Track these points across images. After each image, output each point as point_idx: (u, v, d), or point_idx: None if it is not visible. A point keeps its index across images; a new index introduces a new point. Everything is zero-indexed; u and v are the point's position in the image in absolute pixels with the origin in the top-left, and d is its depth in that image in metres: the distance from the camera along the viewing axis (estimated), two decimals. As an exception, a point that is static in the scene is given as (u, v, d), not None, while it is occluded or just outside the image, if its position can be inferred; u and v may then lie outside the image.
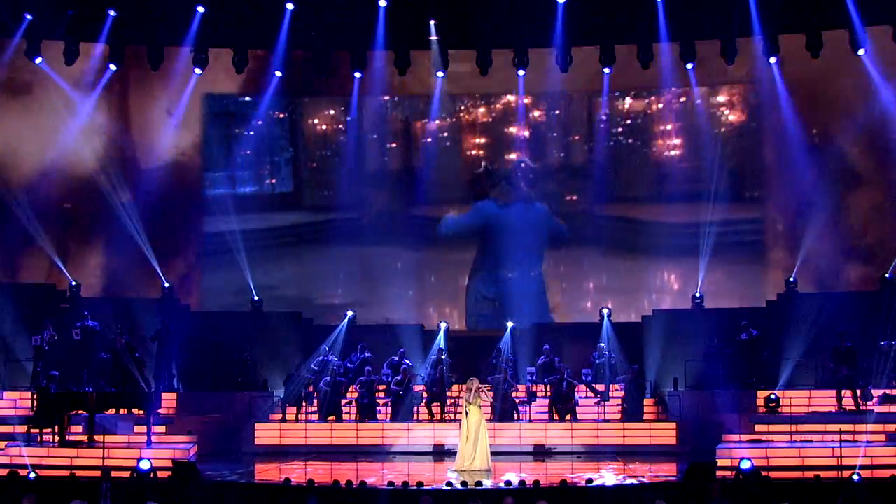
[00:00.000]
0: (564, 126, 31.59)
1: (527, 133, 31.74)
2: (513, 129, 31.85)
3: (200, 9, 27.86)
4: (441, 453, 24.87)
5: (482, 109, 31.91)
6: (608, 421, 26.08)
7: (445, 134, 32.00)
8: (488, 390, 25.45)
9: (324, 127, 31.90)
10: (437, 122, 31.71)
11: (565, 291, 31.49)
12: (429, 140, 31.87)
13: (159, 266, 29.59)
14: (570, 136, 31.67)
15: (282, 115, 31.78)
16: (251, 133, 31.52)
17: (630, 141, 31.58)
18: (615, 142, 31.49)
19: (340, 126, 31.83)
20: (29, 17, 27.35)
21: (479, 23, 28.19)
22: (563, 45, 28.39)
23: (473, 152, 32.00)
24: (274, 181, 31.97)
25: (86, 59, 28.73)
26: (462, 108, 31.95)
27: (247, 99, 31.16)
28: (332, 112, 31.87)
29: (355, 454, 24.83)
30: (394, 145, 31.91)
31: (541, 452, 25.15)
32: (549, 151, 31.79)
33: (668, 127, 31.08)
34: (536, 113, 31.83)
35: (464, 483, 18.76)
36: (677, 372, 27.44)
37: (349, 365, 27.68)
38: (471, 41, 29.17)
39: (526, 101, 31.40)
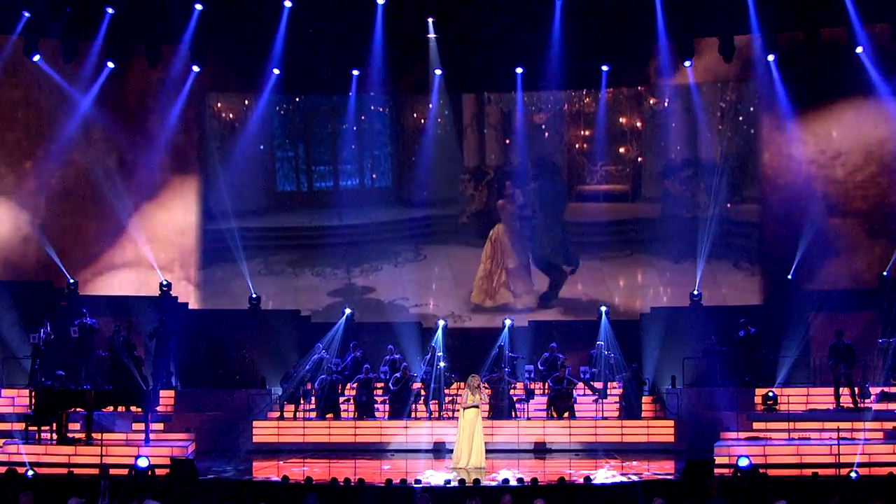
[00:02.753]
0: (690, 117, 30.25)
1: (639, 124, 31.07)
2: (623, 120, 31.12)
3: (198, 6, 27.88)
4: (440, 451, 24.86)
5: (587, 99, 31.17)
6: (606, 419, 26.08)
7: (544, 126, 31.28)
8: (485, 387, 25.55)
9: (423, 121, 31.52)
10: (542, 114, 31.08)
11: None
12: (545, 133, 31.26)
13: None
14: (696, 128, 30.33)
15: (383, 110, 31.57)
16: (354, 128, 31.41)
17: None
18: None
19: (440, 120, 31.47)
20: (27, 14, 27.34)
21: (477, 20, 28.25)
22: (560, 42, 28.43)
23: (578, 146, 31.38)
24: (375, 176, 31.79)
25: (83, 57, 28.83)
26: (566, 97, 31.10)
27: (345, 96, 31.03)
28: (430, 106, 31.39)
29: (353, 452, 24.82)
30: (507, 141, 31.34)
31: (536, 450, 25.20)
32: (667, 145, 30.80)
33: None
34: (652, 101, 31.00)
35: (461, 481, 18.74)
36: (675, 369, 27.43)
37: (347, 361, 27.66)
38: (468, 39, 29.20)
39: (640, 87, 30.82)
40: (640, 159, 31.09)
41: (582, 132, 31.22)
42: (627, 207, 31.03)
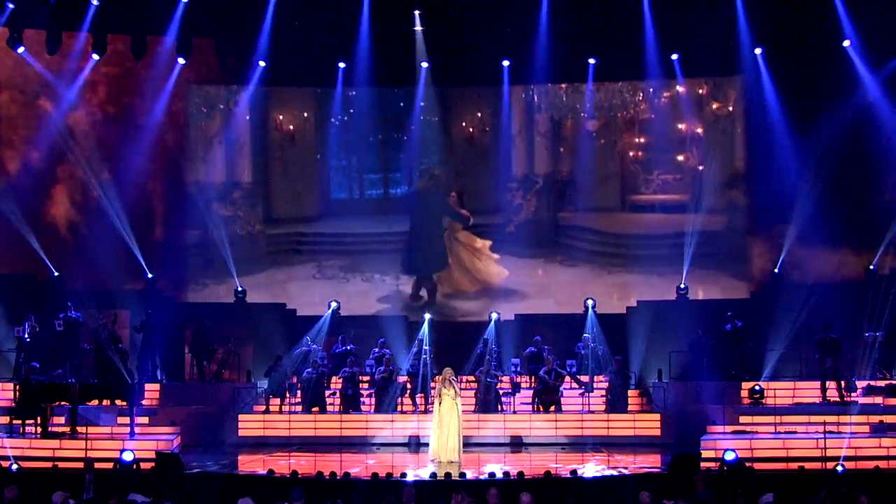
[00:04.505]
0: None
1: (699, 130, 30.19)
2: (681, 126, 30.32)
3: (184, -2, 27.90)
4: (416, 444, 24.85)
5: (643, 106, 30.48)
6: (592, 412, 26.10)
7: (595, 133, 30.69)
8: (470, 381, 25.60)
9: (471, 130, 31.25)
10: (594, 121, 30.49)
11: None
12: (599, 140, 30.69)
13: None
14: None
15: (433, 119, 31.26)
16: (404, 137, 31.24)
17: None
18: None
19: (487, 129, 31.16)
20: (11, 5, 27.25)
21: (464, 13, 28.23)
22: (548, 34, 28.43)
23: (632, 154, 30.70)
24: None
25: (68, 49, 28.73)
26: (618, 101, 30.47)
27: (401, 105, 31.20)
28: (479, 114, 31.18)
29: (339, 445, 24.80)
30: (561, 150, 30.83)
31: (512, 444, 25.25)
32: (733, 152, 29.93)
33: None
34: (714, 105, 30.31)
35: (447, 474, 18.77)
36: (662, 363, 27.48)
37: (337, 350, 27.68)
38: (456, 31, 29.16)
39: (701, 90, 30.08)
40: (701, 167, 30.24)
41: (637, 139, 30.70)
42: (687, 219, 30.00)
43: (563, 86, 30.54)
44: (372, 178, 31.76)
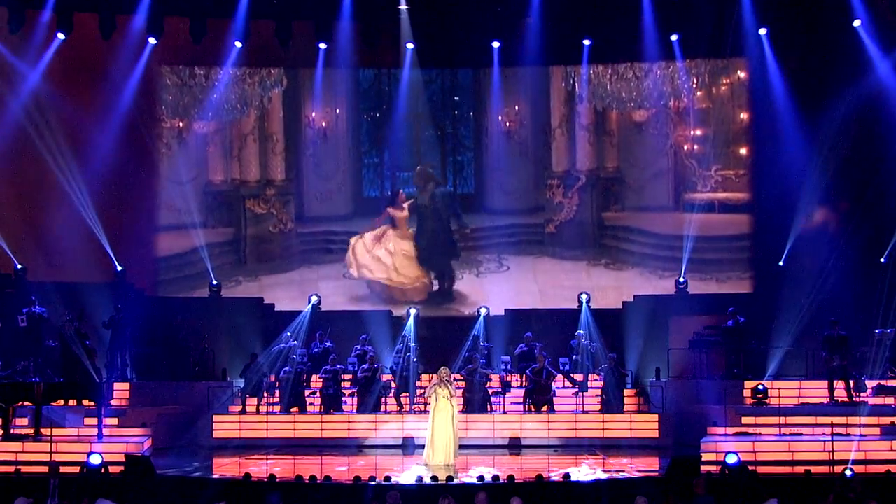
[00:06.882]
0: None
1: (745, 115, 29.71)
2: (743, 116, 29.82)
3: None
4: (408, 446, 24.82)
5: (699, 93, 30.00)
6: (587, 412, 26.10)
7: (644, 125, 30.35)
8: (459, 380, 25.58)
9: (507, 125, 31.06)
10: (643, 111, 30.10)
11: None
12: (651, 132, 30.27)
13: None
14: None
15: (468, 114, 31.32)
16: (437, 133, 31.23)
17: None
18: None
19: (525, 122, 30.98)
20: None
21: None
22: (540, 13, 28.44)
23: (687, 147, 30.18)
24: (457, 182, 31.52)
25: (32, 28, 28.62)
26: (669, 88, 29.99)
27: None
28: (517, 108, 30.96)
29: (320, 447, 24.77)
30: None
31: (511, 446, 25.24)
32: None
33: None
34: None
35: (434, 478, 18.74)
36: (660, 361, 27.48)
37: (314, 350, 27.67)
38: (443, 11, 29.15)
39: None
40: None
41: (691, 131, 30.21)
42: (750, 219, 29.86)
43: (608, 72, 30.33)
44: (405, 176, 31.66)
